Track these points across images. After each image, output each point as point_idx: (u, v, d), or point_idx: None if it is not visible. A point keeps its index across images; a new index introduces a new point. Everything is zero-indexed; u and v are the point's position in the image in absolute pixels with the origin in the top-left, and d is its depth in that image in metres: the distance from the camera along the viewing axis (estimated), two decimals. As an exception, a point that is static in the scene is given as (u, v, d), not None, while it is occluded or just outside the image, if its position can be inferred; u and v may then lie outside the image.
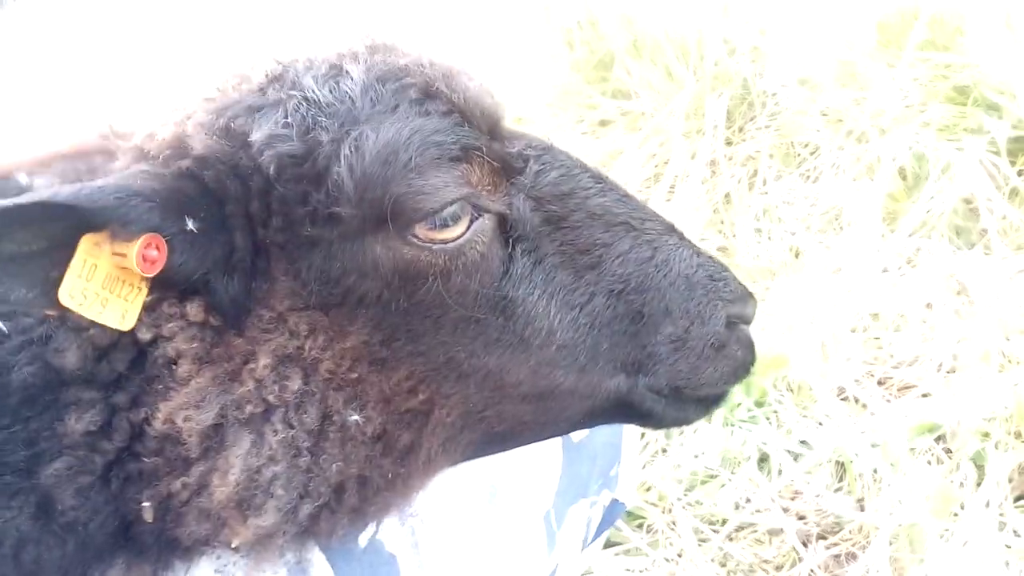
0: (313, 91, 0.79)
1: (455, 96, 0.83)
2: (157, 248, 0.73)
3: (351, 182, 0.77)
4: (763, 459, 2.17)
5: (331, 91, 0.79)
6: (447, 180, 0.81)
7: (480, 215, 0.85)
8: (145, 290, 0.76)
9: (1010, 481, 1.72)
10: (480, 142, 0.85)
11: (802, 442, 2.11)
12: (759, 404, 2.33)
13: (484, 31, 3.91)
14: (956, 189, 2.50)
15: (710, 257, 1.05)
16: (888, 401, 2.17)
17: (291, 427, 0.80)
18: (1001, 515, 1.61)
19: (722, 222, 3.24)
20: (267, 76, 0.82)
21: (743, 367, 1.06)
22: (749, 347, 1.06)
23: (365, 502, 0.86)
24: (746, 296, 1.05)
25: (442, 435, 0.90)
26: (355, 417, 0.82)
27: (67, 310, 0.71)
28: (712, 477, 2.19)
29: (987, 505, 1.62)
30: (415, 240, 0.81)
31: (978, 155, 2.50)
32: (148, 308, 0.77)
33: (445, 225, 0.82)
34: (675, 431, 2.35)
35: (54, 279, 0.70)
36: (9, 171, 0.83)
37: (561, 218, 0.94)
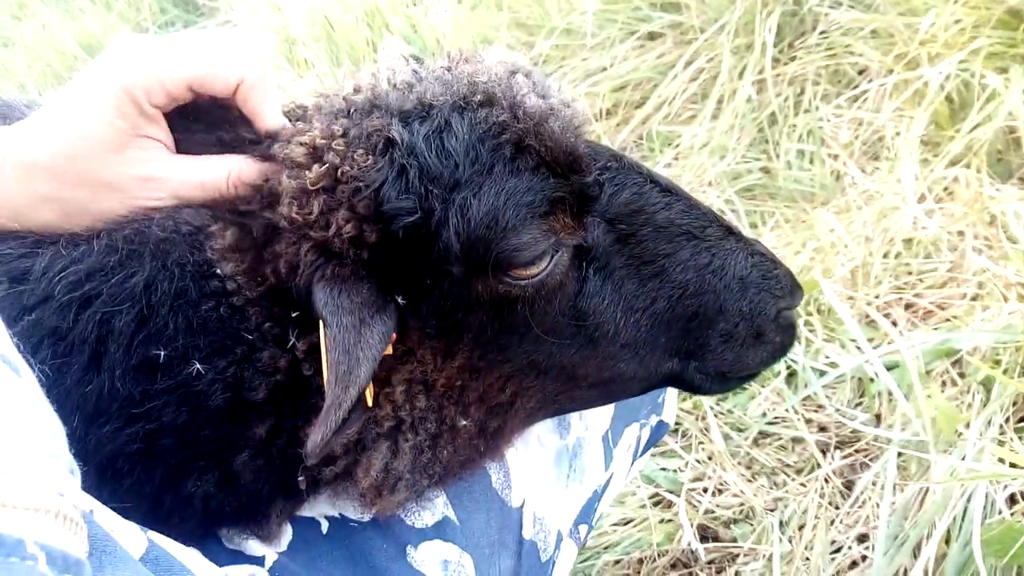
0: (424, 156, 0.89)
1: (543, 149, 0.93)
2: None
3: (459, 245, 0.90)
4: (791, 375, 2.38)
5: (438, 154, 0.89)
6: (537, 235, 0.93)
7: (559, 249, 0.98)
8: None
9: (1014, 404, 1.90)
10: (563, 191, 0.96)
11: (829, 362, 2.30)
12: (790, 324, 2.51)
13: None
14: (999, 119, 2.56)
15: (763, 255, 1.13)
16: (914, 325, 2.34)
17: (418, 434, 0.99)
18: (1001, 435, 1.80)
19: (766, 141, 3.32)
20: (395, 136, 0.90)
21: (781, 350, 1.16)
22: (789, 330, 1.16)
23: (463, 468, 1.08)
24: (795, 289, 1.15)
25: (523, 416, 1.08)
26: (463, 422, 1.01)
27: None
28: (743, 389, 2.41)
29: (989, 425, 1.82)
30: (508, 279, 0.95)
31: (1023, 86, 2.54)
32: (309, 351, 0.93)
33: (532, 264, 0.95)
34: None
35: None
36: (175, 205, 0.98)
37: (630, 235, 1.04)
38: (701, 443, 2.31)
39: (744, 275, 1.10)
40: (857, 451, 2.07)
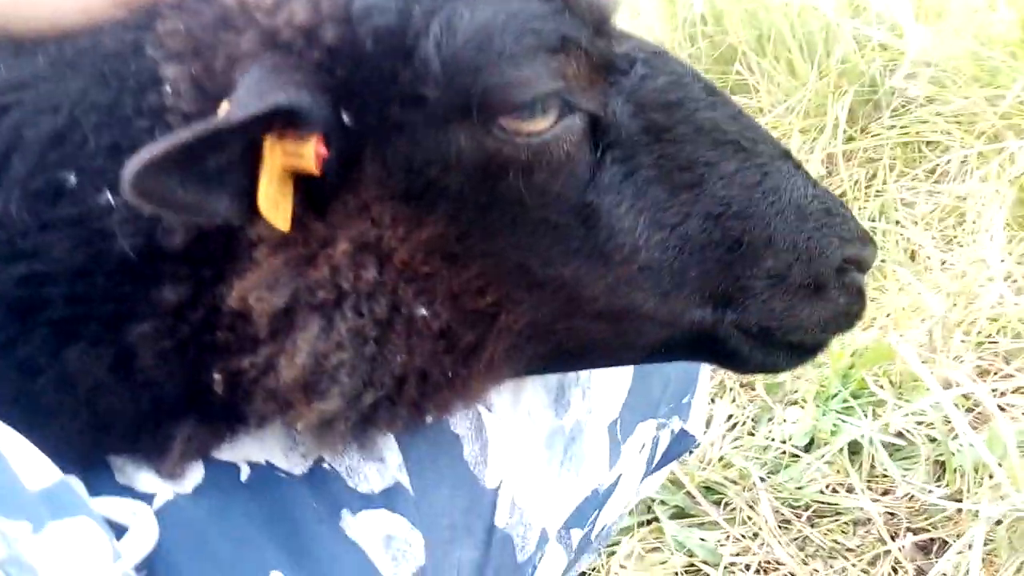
0: None
1: None
2: (325, 144, 0.72)
3: (438, 62, 0.73)
4: (855, 450, 2.08)
5: None
6: (541, 72, 0.75)
7: (571, 112, 0.79)
8: (292, 186, 0.73)
9: None
10: (581, 34, 0.78)
11: (898, 434, 2.01)
12: (855, 396, 2.24)
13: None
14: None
15: (827, 190, 0.92)
16: (1001, 409, 2.04)
17: (360, 316, 0.78)
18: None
19: (836, 221, 3.13)
20: None
21: (846, 316, 0.93)
22: (858, 296, 0.93)
23: (424, 397, 0.84)
24: (866, 238, 0.93)
25: (507, 341, 0.85)
26: (423, 312, 0.79)
27: (259, 217, 0.71)
28: (796, 459, 2.12)
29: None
30: (499, 131, 0.76)
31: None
32: None
33: (532, 116, 0.76)
34: (764, 415, 2.29)
35: (245, 186, 0.71)
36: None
37: (664, 129, 0.86)
38: (749, 516, 2.00)
39: (803, 204, 0.89)
40: (932, 527, 1.75)
